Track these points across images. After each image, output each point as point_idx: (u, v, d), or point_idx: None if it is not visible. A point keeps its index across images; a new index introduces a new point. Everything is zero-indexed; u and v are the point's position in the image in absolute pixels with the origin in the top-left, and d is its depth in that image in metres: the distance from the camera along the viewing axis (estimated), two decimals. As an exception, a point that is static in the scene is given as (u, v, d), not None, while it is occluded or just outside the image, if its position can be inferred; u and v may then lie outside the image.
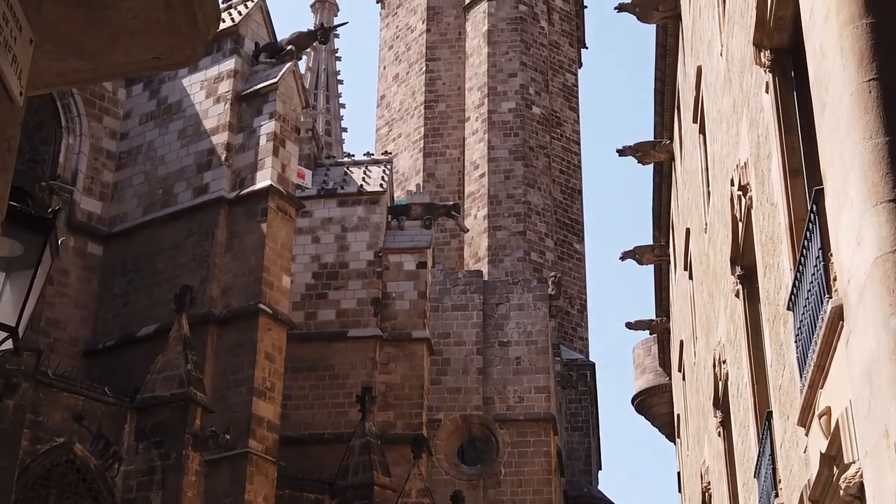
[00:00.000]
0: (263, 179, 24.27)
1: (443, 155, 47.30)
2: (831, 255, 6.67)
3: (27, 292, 4.89)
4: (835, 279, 6.59)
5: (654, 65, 20.83)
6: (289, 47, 25.95)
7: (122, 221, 26.05)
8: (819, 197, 6.91)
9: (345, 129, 58.55)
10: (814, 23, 6.92)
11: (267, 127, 24.76)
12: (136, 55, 4.33)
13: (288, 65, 25.46)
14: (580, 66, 52.03)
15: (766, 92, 9.05)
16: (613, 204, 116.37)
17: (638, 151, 22.24)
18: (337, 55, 60.45)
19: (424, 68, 48.97)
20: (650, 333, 29.92)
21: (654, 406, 33.20)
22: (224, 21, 26.56)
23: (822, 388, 7.06)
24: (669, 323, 26.67)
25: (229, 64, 25.83)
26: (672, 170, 22.20)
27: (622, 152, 22.26)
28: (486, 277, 38.42)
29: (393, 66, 51.48)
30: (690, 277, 18.95)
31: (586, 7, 53.56)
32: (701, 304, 17.13)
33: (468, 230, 42.61)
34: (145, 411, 20.82)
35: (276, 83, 25.09)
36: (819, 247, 6.91)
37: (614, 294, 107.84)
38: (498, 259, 43.51)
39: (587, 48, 53.43)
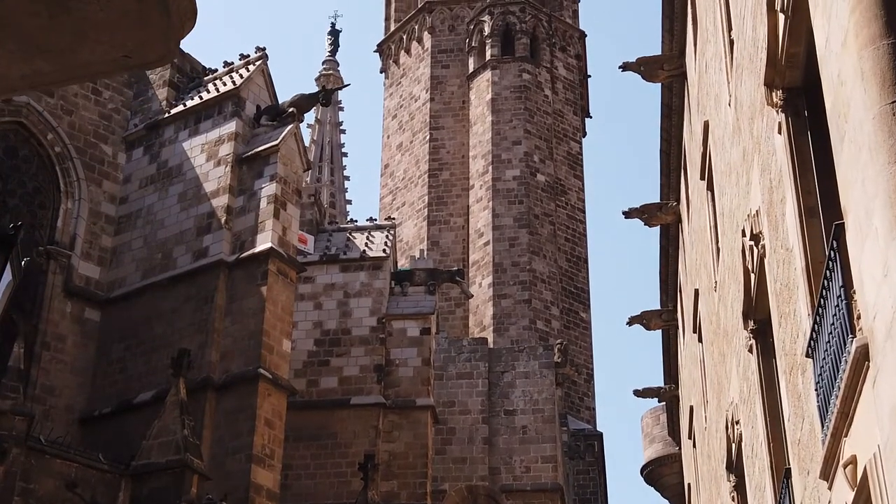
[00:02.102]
0: (264, 242, 23.96)
1: (447, 223, 47.12)
2: (854, 292, 6.38)
3: (-15, 314, 4.52)
4: (858, 317, 6.30)
5: (659, 125, 20.69)
6: (290, 109, 25.75)
7: (120, 286, 25.71)
8: (839, 232, 6.63)
9: (349, 202, 58.66)
10: (830, 51, 6.68)
11: (268, 189, 24.53)
12: (105, 53, 3.99)
13: (289, 127, 25.26)
14: (584, 135, 52.08)
15: (779, 133, 8.82)
16: (619, 271, 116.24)
17: (644, 213, 22.08)
18: (341, 128, 60.79)
19: (428, 137, 48.99)
20: (659, 401, 29.49)
21: (664, 476, 32.65)
22: (226, 84, 26.51)
23: (846, 436, 6.72)
24: (678, 390, 26.31)
25: (230, 126, 25.65)
26: (679, 232, 22.02)
27: (628, 214, 22.10)
28: (491, 346, 37.99)
29: (397, 135, 51.54)
30: (700, 340, 18.67)
31: (590, 76, 53.81)
32: (711, 365, 16.81)
33: (472, 296, 42.25)
34: (140, 478, 20.33)
35: (277, 145, 24.88)
36: (840, 285, 6.62)
37: (622, 361, 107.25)
38: (503, 328, 43.09)
39: (591, 117, 53.59)
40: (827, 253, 7.02)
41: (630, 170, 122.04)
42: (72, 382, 24.52)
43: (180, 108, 26.92)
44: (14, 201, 25.30)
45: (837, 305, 6.66)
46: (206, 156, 25.67)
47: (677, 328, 24.26)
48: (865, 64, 5.91)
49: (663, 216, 22.03)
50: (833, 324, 6.81)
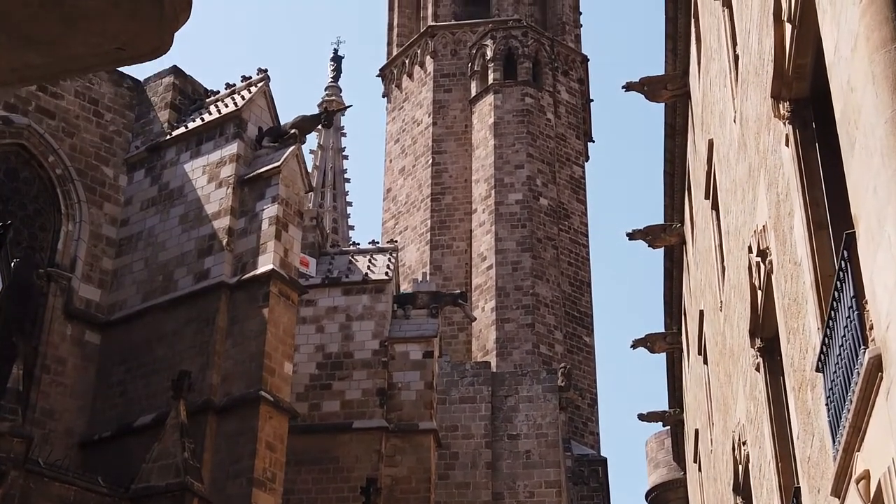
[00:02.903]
0: (265, 264, 23.79)
1: (449, 247, 46.94)
2: (866, 302, 6.22)
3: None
4: (871, 328, 6.15)
5: (662, 146, 20.61)
6: (292, 131, 25.66)
7: (120, 309, 25.54)
8: (850, 241, 6.48)
9: (352, 227, 58.51)
10: (839, 56, 6.57)
11: (269, 211, 24.39)
12: (97, 45, 3.87)
13: (291, 148, 25.16)
14: (587, 159, 52.01)
15: (787, 145, 8.71)
16: (623, 294, 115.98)
17: (648, 235, 22.00)
18: (344, 154, 60.73)
19: (431, 161, 48.88)
20: (663, 425, 29.32)
21: (670, 501, 32.49)
22: (227, 105, 26.43)
23: (858, 450, 6.57)
24: (683, 414, 26.13)
25: (232, 148, 25.55)
26: (683, 253, 21.91)
27: (632, 236, 22.02)
28: (494, 370, 37.77)
29: (399, 159, 51.46)
30: (705, 362, 18.54)
31: (592, 101, 53.77)
32: (717, 386, 16.65)
33: (475, 319, 42.04)
34: (140, 502, 20.15)
35: (278, 166, 24.76)
36: (852, 295, 6.48)
37: (626, 385, 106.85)
38: (506, 352, 42.85)
39: (594, 142, 53.51)
40: (837, 263, 6.88)
41: (633, 192, 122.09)
42: (72, 405, 24.32)
43: (182, 129, 26.83)
44: (14, 223, 25.18)
45: (849, 316, 6.52)
46: (208, 177, 25.56)
47: (682, 351, 24.11)
48: (877, 68, 5.81)
49: (667, 238, 21.95)
50: (844, 335, 6.67)
